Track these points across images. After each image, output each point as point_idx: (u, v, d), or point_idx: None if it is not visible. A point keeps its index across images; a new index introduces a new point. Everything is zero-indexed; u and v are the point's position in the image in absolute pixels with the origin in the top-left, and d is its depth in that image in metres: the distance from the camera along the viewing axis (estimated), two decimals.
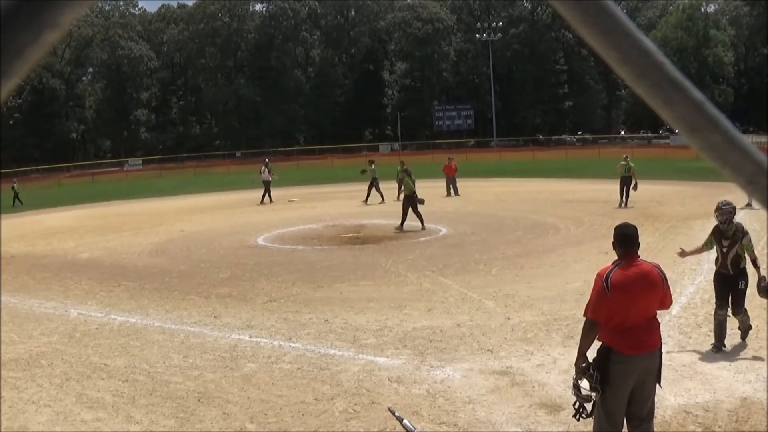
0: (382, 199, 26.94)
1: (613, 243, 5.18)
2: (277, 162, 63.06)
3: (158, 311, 11.27)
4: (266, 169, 29.55)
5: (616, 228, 5.22)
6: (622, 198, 22.50)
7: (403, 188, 20.30)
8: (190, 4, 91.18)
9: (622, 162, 22.96)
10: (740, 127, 63.47)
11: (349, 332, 9.45)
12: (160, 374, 8.07)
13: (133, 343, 9.41)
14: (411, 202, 18.89)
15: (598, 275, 4.95)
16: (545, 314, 9.89)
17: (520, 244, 16.17)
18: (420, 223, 18.63)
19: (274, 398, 7.16)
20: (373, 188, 27.33)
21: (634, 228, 5.18)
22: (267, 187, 29.32)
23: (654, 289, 4.92)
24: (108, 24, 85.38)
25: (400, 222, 19.16)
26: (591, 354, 4.98)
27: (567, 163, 48.66)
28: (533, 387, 7.13)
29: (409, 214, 18.87)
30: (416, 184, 19.49)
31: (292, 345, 8.99)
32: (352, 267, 14.26)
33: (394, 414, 5.59)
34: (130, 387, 7.69)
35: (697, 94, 0.47)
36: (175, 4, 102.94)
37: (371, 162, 28.59)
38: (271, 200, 28.93)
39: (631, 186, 22.38)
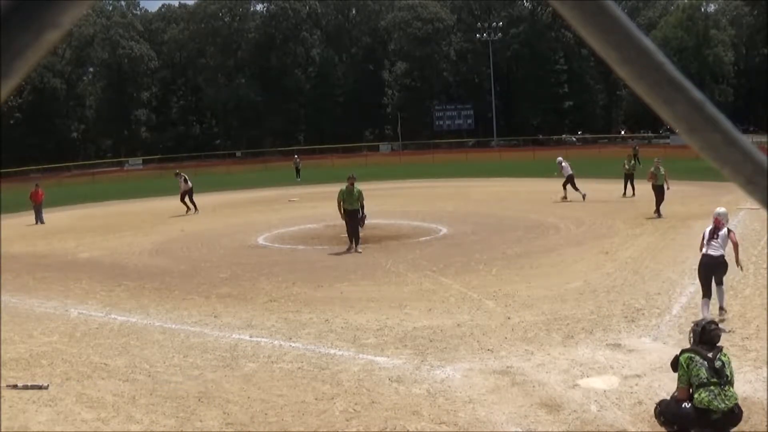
0: (195, 210, 25.90)
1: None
2: (277, 162, 63.25)
3: (159, 311, 11.27)
4: (182, 180, 26.52)
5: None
6: (658, 209, 19.68)
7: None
8: (191, 3, 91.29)
9: (652, 169, 20.21)
10: (740, 127, 63.44)
11: (350, 332, 9.45)
12: (161, 374, 8.07)
13: (133, 343, 9.42)
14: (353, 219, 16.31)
15: None
16: (545, 314, 9.89)
17: (521, 244, 16.17)
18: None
19: (275, 398, 7.16)
20: (187, 198, 26.11)
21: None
22: (189, 195, 26.33)
23: None
24: (109, 23, 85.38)
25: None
26: None
27: (567, 163, 48.58)
28: (533, 387, 7.13)
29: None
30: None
31: (293, 345, 8.99)
32: (352, 267, 14.26)
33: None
34: (131, 387, 7.69)
35: (697, 94, 0.47)
36: (176, 3, 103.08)
37: (178, 174, 26.99)
38: (195, 209, 26.10)
39: (664, 193, 19.88)
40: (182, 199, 26.16)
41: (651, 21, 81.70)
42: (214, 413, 6.85)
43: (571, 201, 24.34)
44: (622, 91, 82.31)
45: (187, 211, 25.90)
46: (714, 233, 9.69)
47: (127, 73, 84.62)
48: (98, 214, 28.92)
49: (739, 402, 5.80)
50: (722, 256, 9.45)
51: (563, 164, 25.58)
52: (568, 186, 24.96)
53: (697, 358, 5.65)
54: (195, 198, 26.61)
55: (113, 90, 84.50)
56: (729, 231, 9.75)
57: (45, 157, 70.89)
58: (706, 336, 5.74)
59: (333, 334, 9.41)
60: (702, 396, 5.52)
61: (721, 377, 5.59)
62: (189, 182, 26.40)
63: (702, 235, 10.00)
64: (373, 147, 79.95)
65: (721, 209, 10.21)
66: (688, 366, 5.65)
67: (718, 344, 5.77)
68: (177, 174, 27.29)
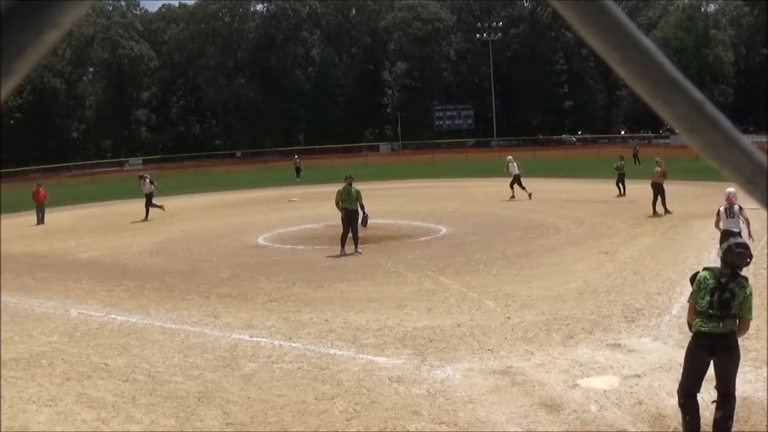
0: (146, 218, 24.89)
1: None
2: (277, 162, 63.28)
3: (158, 311, 11.27)
4: (146, 182, 25.50)
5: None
6: (654, 209, 19.57)
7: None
8: (191, 3, 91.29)
9: (657, 168, 19.84)
10: (740, 127, 63.44)
11: (350, 332, 9.45)
12: (161, 374, 8.07)
13: (133, 343, 9.41)
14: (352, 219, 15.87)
15: None
16: (545, 314, 9.89)
17: (521, 244, 16.17)
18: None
19: (275, 398, 7.16)
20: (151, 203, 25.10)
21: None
22: (149, 200, 25.26)
23: None
24: (109, 23, 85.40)
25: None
26: None
27: (567, 163, 48.66)
28: (533, 387, 7.13)
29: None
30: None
31: (293, 345, 8.99)
32: (352, 267, 14.26)
33: None
34: (131, 387, 7.69)
35: (697, 94, 0.47)
36: (176, 3, 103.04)
37: (142, 176, 26.01)
38: (147, 217, 25.14)
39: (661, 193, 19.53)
40: (150, 203, 25.19)
41: (651, 21, 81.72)
42: (214, 413, 6.85)
43: (518, 199, 25.07)
44: (622, 91, 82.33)
45: (146, 216, 24.94)
46: (730, 211, 10.63)
47: (127, 73, 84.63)
48: (98, 214, 28.93)
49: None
50: (741, 233, 10.23)
51: (512, 164, 26.09)
52: (516, 185, 25.64)
53: (711, 281, 5.42)
54: (194, 197, 26.53)
55: (113, 90, 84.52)
56: (740, 208, 10.73)
57: (45, 157, 70.89)
58: (728, 256, 5.43)
59: (333, 334, 9.41)
60: (696, 321, 5.53)
61: (723, 310, 5.37)
62: (154, 184, 25.52)
63: (716, 213, 11.00)
64: (373, 147, 80.00)
65: (731, 188, 10.91)
66: (699, 286, 5.48)
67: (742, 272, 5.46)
68: (141, 176, 26.22)
